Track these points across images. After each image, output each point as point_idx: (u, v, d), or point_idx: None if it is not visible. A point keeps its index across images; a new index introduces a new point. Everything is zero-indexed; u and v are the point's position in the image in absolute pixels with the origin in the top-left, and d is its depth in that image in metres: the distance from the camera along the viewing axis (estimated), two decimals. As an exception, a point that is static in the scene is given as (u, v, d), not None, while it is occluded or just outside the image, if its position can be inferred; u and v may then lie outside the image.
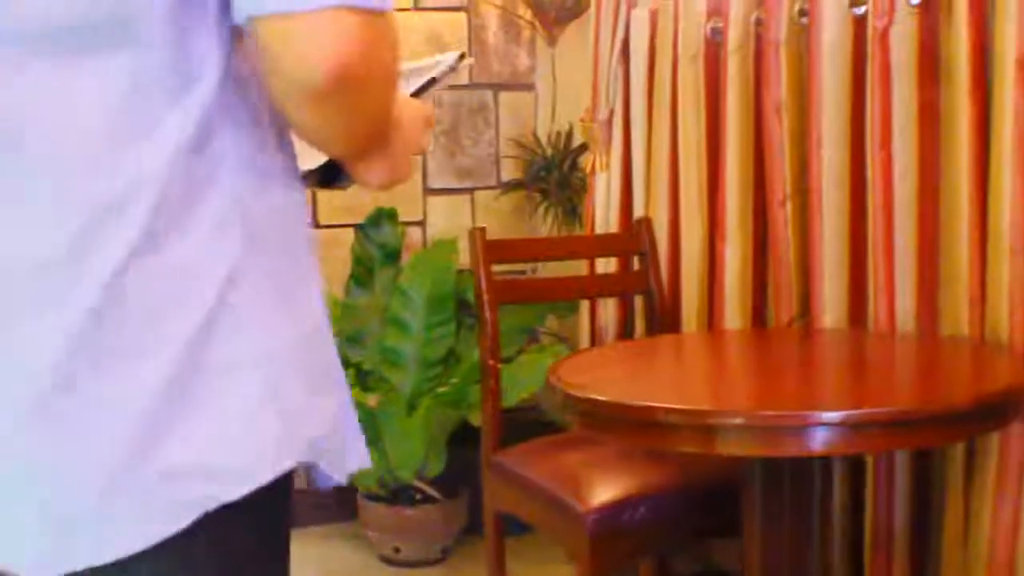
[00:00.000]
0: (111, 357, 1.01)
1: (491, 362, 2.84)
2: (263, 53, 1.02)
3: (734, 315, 2.97)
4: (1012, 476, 2.26)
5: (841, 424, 1.80)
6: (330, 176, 1.29)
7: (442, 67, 1.46)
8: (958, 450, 2.37)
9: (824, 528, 2.63)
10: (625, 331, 3.34)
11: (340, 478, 1.18)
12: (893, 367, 2.35)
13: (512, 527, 2.94)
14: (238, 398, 1.05)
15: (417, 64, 1.46)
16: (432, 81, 1.45)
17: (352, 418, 1.22)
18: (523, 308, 3.73)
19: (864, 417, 1.81)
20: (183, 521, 1.03)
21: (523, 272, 3.89)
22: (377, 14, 1.02)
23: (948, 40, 2.36)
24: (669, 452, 2.26)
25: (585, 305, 3.50)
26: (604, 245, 3.33)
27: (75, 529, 1.02)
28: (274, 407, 1.07)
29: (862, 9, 2.57)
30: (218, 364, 1.04)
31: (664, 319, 3.06)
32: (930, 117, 2.45)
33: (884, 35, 2.48)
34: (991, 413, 1.87)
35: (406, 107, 1.26)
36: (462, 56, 1.46)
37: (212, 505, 1.04)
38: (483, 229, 2.89)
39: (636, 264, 3.13)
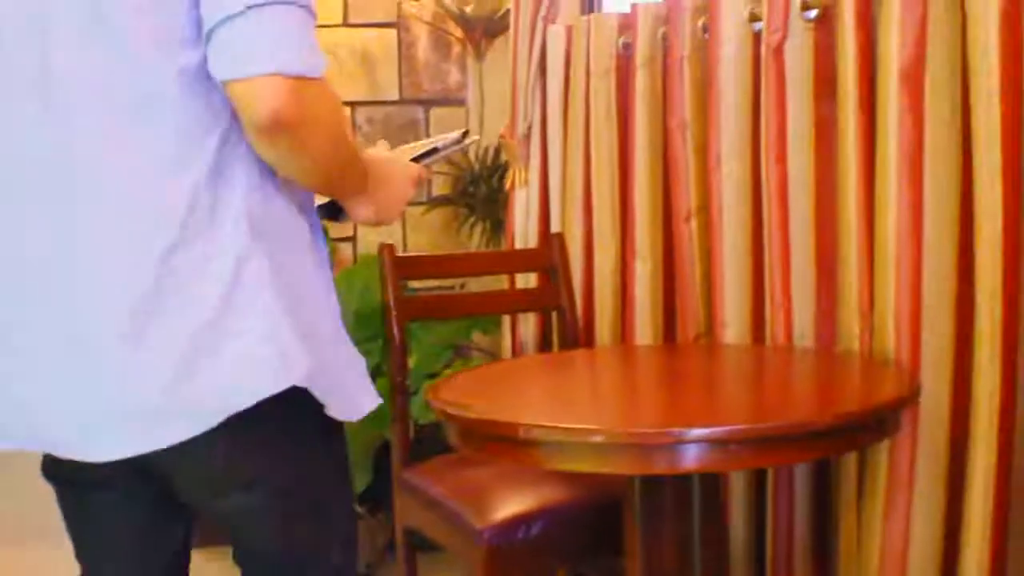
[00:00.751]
0: (162, 310, 1.45)
1: (399, 379, 2.84)
2: (234, 104, 1.44)
3: (645, 331, 2.97)
4: (902, 488, 2.26)
5: (707, 441, 1.79)
6: (334, 211, 1.71)
7: (446, 141, 1.88)
8: (851, 462, 2.37)
9: (724, 541, 2.64)
10: (544, 345, 3.34)
11: (351, 415, 1.63)
12: (774, 383, 2.35)
13: (431, 543, 2.93)
14: (247, 342, 1.47)
15: (428, 140, 1.89)
16: (434, 150, 1.87)
17: (354, 367, 1.66)
18: (448, 324, 3.73)
19: (732, 434, 1.79)
20: (212, 422, 1.48)
21: (452, 288, 3.89)
22: (307, 79, 1.42)
23: (838, 55, 2.37)
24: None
25: (507, 320, 3.50)
26: (515, 261, 3.33)
27: (141, 423, 1.49)
28: (272, 348, 1.48)
29: (760, 24, 2.57)
30: (234, 318, 1.47)
31: (576, 334, 3.05)
32: (826, 132, 2.45)
33: (778, 50, 2.48)
34: (854, 429, 1.87)
35: (395, 166, 1.73)
36: (465, 133, 1.89)
37: (231, 411, 1.47)
38: (391, 246, 2.88)
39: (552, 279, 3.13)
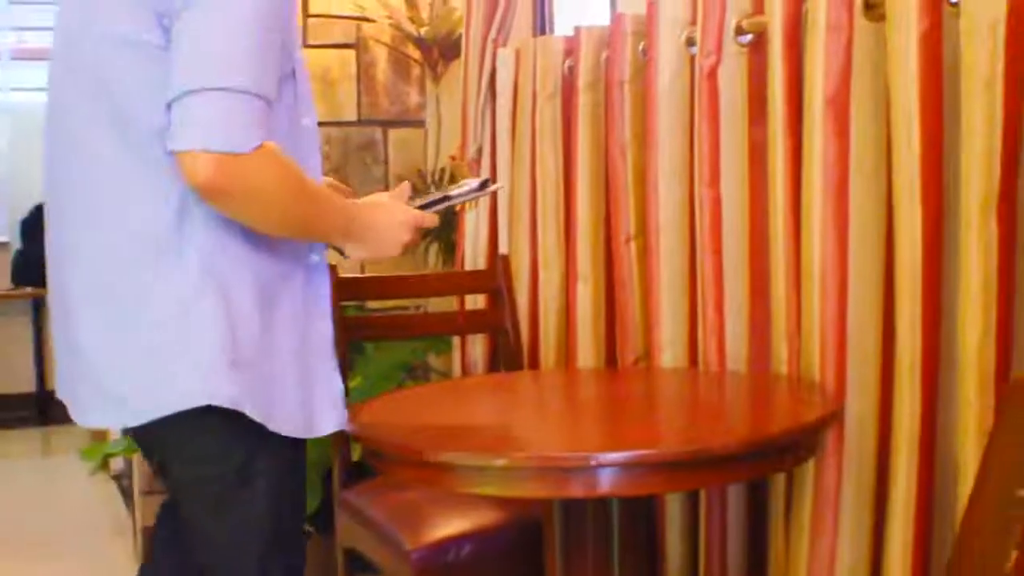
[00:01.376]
0: (127, 325, 1.82)
1: (339, 399, 2.84)
2: None
3: (587, 353, 2.98)
4: (828, 507, 2.26)
5: (615, 465, 1.78)
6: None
7: (462, 190, 2.07)
8: (780, 482, 2.38)
9: (649, 564, 2.64)
10: (492, 367, 3.34)
11: (302, 433, 1.91)
12: (695, 408, 2.35)
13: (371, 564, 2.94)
14: (184, 364, 1.80)
15: (449, 189, 2.11)
16: (445, 199, 2.06)
17: (310, 387, 1.92)
18: (400, 345, 3.74)
19: (643, 459, 1.79)
20: (145, 419, 1.82)
21: (406, 308, 3.90)
22: (235, 155, 1.68)
23: (767, 79, 2.38)
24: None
25: (457, 341, 3.51)
26: (460, 282, 3.34)
27: (113, 405, 1.86)
28: (198, 373, 1.80)
29: (697, 48, 2.58)
30: (178, 342, 1.80)
31: (520, 356, 3.06)
32: (759, 156, 2.46)
33: (712, 73, 2.50)
34: (767, 452, 1.87)
35: (384, 213, 1.96)
36: (485, 182, 2.05)
37: (185, 406, 1.78)
38: (334, 267, 2.88)
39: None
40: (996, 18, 1.93)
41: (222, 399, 1.78)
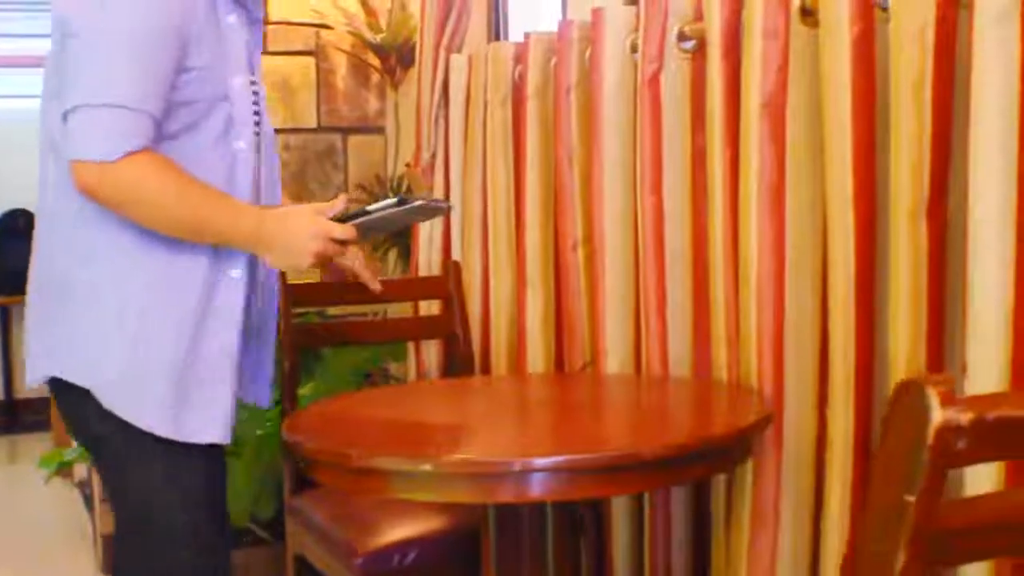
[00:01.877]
0: (39, 302, 2.15)
1: (287, 406, 2.84)
2: None
3: (537, 359, 2.98)
4: (768, 510, 2.27)
5: (541, 470, 1.78)
6: None
7: (380, 205, 2.07)
8: (721, 486, 2.38)
9: (606, 566, 2.65)
10: (447, 372, 3.34)
11: (170, 435, 2.05)
12: (630, 413, 2.36)
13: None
14: (53, 338, 2.09)
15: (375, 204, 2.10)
16: (363, 212, 2.06)
17: (184, 388, 2.05)
18: (357, 351, 3.74)
19: (571, 463, 1.80)
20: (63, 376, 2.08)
21: (365, 315, 3.90)
22: (103, 163, 1.91)
23: (706, 85, 2.38)
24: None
25: (412, 347, 3.51)
26: (411, 289, 3.35)
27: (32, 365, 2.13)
28: (45, 350, 2.11)
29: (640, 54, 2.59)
30: (59, 319, 2.07)
31: (471, 362, 3.06)
32: (702, 162, 2.47)
33: (654, 79, 2.51)
34: (692, 458, 1.87)
35: (291, 221, 2.03)
36: (402, 200, 2.05)
37: (75, 381, 2.05)
38: (283, 274, 2.88)
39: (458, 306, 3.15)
40: (924, 23, 1.94)
41: (91, 385, 2.04)
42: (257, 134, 2.18)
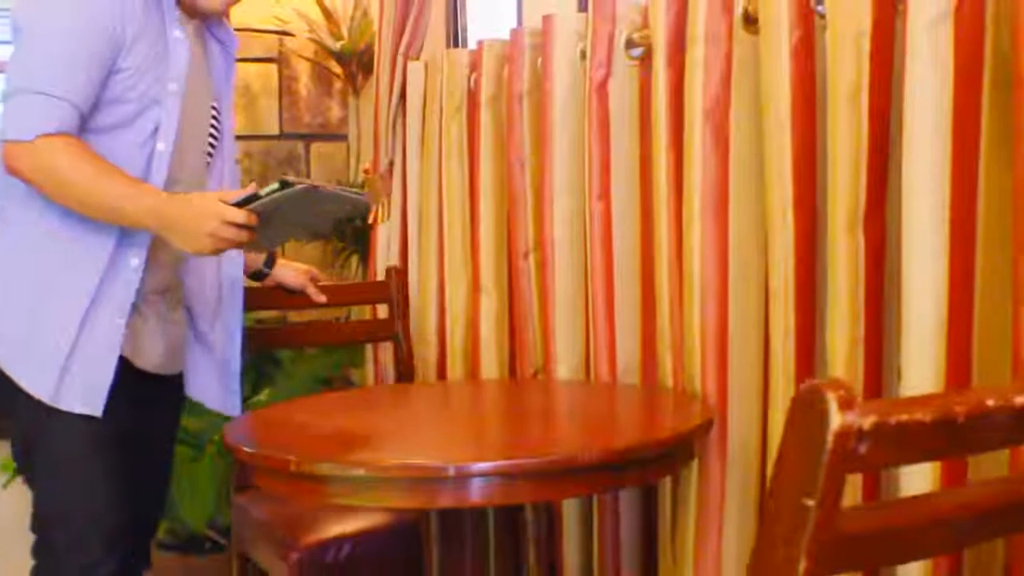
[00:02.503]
0: None
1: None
2: None
3: (491, 365, 2.98)
4: (713, 513, 2.27)
5: (478, 475, 1.79)
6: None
7: (270, 188, 2.09)
8: (667, 489, 2.39)
9: (557, 568, 2.65)
10: (402, 377, 3.34)
11: (43, 397, 2.22)
12: (571, 418, 2.36)
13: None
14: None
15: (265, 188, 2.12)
16: (254, 196, 2.10)
17: (56, 360, 2.22)
18: (316, 357, 3.74)
19: (503, 468, 1.80)
20: None
21: (337, 318, 3.90)
22: (18, 142, 2.12)
23: (652, 93, 2.39)
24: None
25: (370, 353, 3.51)
26: (356, 293, 3.39)
27: None
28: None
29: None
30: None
31: (409, 365, 3.11)
32: (649, 169, 2.47)
33: (602, 86, 2.51)
34: (632, 462, 1.88)
35: (189, 206, 2.13)
36: (285, 183, 2.08)
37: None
38: (236, 279, 2.88)
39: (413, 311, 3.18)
40: (861, 30, 1.95)
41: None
42: (210, 154, 2.44)
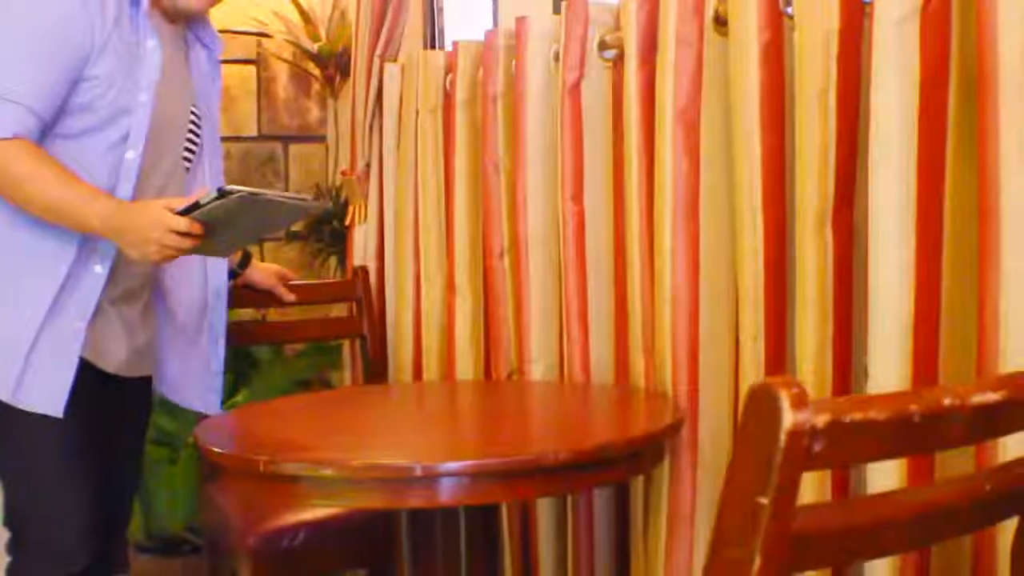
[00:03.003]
0: None
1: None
2: None
3: (467, 366, 2.99)
4: (684, 513, 2.28)
5: (446, 475, 1.79)
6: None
7: (209, 196, 2.11)
8: (639, 489, 2.39)
9: (531, 567, 2.65)
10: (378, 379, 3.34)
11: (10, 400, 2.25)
12: (546, 418, 2.37)
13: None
14: None
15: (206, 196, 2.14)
16: (195, 205, 2.13)
17: (36, 365, 2.26)
18: (294, 359, 3.75)
19: (468, 468, 1.80)
20: None
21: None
22: None
23: (623, 95, 2.39)
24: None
25: (347, 352, 3.52)
26: (326, 292, 3.44)
27: None
28: None
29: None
30: None
31: (377, 364, 3.16)
32: (622, 171, 2.47)
33: (575, 88, 2.51)
34: (601, 463, 1.88)
35: (137, 216, 2.17)
36: (222, 191, 2.10)
37: None
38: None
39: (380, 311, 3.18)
40: (829, 30, 1.95)
41: None
42: (188, 158, 2.48)
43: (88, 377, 2.30)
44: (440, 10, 3.81)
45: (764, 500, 1.09)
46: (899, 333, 1.85)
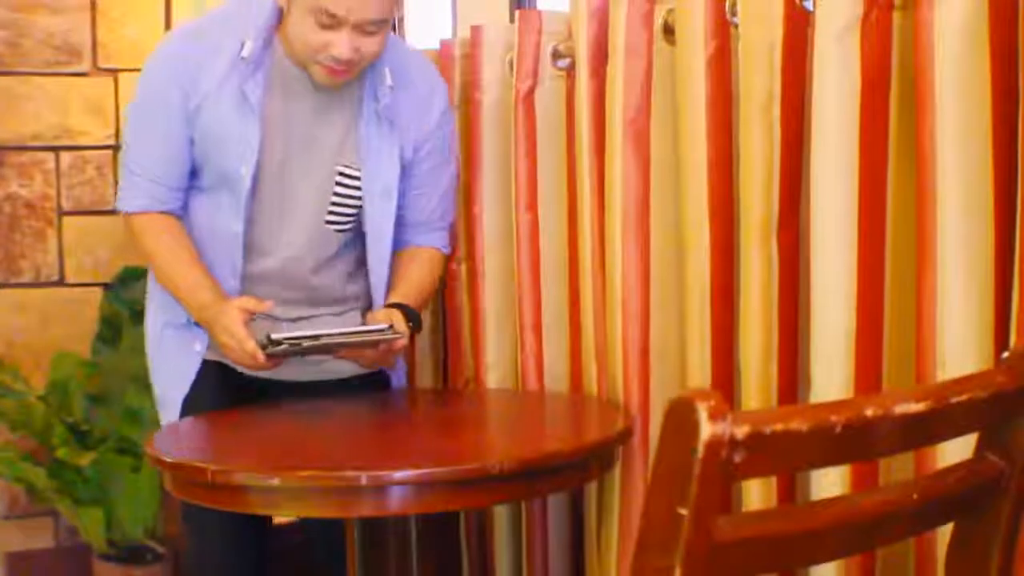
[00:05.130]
0: None
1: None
2: None
3: (426, 374, 2.99)
4: (635, 518, 2.28)
5: (399, 484, 1.82)
6: None
7: (274, 350, 2.20)
8: (593, 496, 2.40)
9: (488, 571, 2.66)
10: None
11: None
12: (496, 426, 2.38)
13: None
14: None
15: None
16: (269, 341, 2.21)
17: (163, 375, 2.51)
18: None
19: (420, 478, 1.82)
20: None
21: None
22: (122, 211, 2.41)
23: (575, 104, 2.40)
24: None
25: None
26: None
27: None
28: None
29: (515, 71, 2.60)
30: None
31: None
32: (575, 180, 2.48)
33: (528, 97, 2.52)
34: (546, 470, 1.90)
35: (218, 323, 2.25)
36: (271, 341, 2.19)
37: None
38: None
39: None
40: (773, 41, 1.97)
41: None
42: (334, 222, 2.41)
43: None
44: (400, 20, 3.81)
45: (683, 511, 1.10)
46: (842, 342, 1.86)
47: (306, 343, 2.15)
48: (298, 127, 2.33)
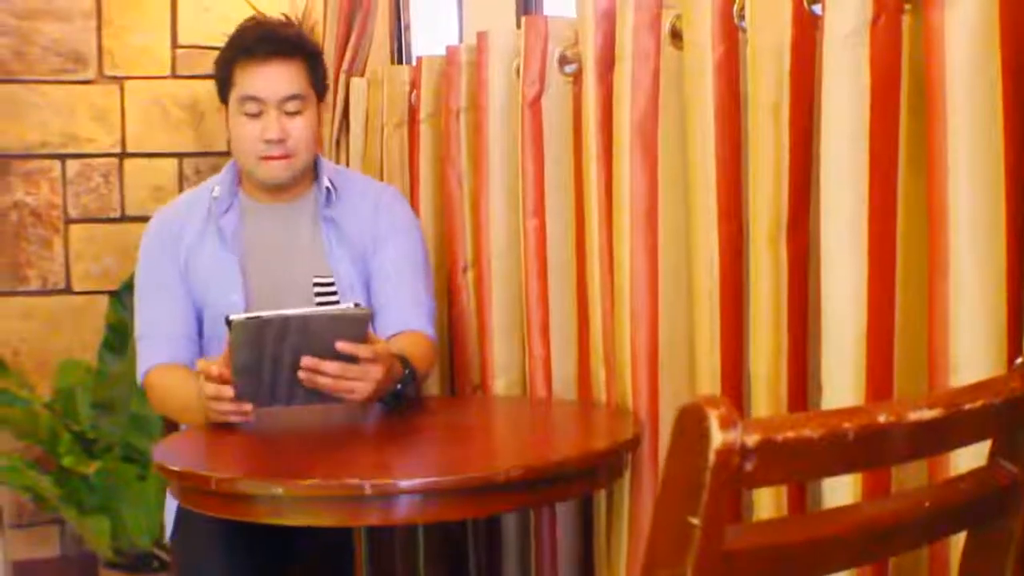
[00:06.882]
0: None
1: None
2: None
3: (432, 382, 2.98)
4: (645, 526, 2.27)
5: (400, 493, 1.80)
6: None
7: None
8: (602, 504, 2.38)
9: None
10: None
11: None
12: (503, 434, 2.37)
13: None
14: None
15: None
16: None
17: None
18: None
19: (425, 486, 1.81)
20: None
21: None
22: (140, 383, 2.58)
23: (583, 109, 2.39)
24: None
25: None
26: None
27: None
28: None
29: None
30: None
31: None
32: (582, 185, 2.47)
33: (535, 102, 2.51)
34: (555, 479, 1.88)
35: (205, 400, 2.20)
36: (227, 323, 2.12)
37: None
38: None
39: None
40: (781, 45, 1.95)
41: None
42: None
43: None
44: (407, 27, 3.81)
45: (695, 520, 1.09)
46: (852, 346, 1.84)
47: (266, 315, 2.07)
48: (273, 248, 2.57)
